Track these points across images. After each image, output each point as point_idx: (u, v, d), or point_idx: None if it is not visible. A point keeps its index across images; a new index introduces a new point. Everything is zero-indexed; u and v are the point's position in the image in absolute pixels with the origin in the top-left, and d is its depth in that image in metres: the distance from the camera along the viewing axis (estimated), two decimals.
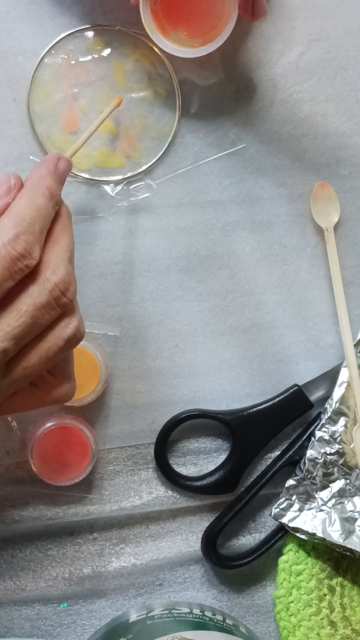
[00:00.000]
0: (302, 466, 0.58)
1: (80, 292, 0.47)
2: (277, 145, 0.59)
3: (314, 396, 0.59)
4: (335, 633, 0.58)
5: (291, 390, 0.59)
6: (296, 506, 0.58)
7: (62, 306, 0.44)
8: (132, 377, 0.59)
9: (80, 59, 0.57)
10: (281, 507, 0.58)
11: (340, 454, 0.58)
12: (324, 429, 0.58)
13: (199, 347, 0.60)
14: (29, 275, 0.43)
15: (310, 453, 0.58)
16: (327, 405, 0.58)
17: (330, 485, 0.58)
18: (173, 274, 0.59)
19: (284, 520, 0.58)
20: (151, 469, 0.60)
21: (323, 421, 0.58)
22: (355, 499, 0.58)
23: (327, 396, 0.59)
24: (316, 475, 0.58)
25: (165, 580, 0.60)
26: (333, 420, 0.58)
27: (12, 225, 0.42)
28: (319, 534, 0.57)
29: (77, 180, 0.57)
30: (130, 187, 0.58)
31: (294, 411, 0.59)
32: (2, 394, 0.44)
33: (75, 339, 0.45)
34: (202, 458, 0.60)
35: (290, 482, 0.58)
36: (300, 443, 0.59)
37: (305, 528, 0.57)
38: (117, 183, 0.58)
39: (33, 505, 0.59)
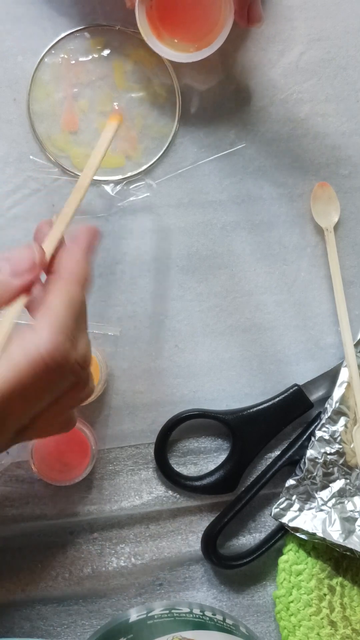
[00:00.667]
0: (302, 466, 0.58)
1: None
2: (277, 145, 0.59)
3: (314, 396, 0.59)
4: (335, 633, 0.58)
5: (291, 390, 0.59)
6: (296, 506, 0.58)
7: (78, 378, 0.42)
8: (132, 377, 0.59)
9: (80, 59, 0.57)
10: (281, 507, 0.58)
11: (340, 453, 0.58)
12: (324, 429, 0.58)
13: (199, 347, 0.60)
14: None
15: (310, 453, 0.58)
16: (327, 405, 0.58)
17: (330, 485, 0.58)
18: (173, 274, 0.59)
19: (284, 520, 0.58)
20: (151, 469, 0.60)
21: (323, 421, 0.58)
22: (355, 498, 0.58)
23: (327, 396, 0.59)
24: (316, 475, 0.58)
25: (165, 580, 0.60)
26: (333, 420, 0.58)
27: (50, 331, 0.40)
28: (319, 534, 0.57)
29: (77, 180, 0.57)
30: (130, 187, 0.58)
31: (294, 411, 0.59)
32: (6, 446, 0.43)
33: (86, 399, 0.45)
34: (202, 458, 0.60)
35: (290, 482, 0.58)
36: (300, 443, 0.59)
37: (305, 528, 0.57)
38: (117, 183, 0.58)
39: (33, 505, 0.59)
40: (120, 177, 0.58)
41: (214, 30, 0.53)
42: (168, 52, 0.53)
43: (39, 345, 0.39)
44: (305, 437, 0.59)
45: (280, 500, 0.58)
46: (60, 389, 0.42)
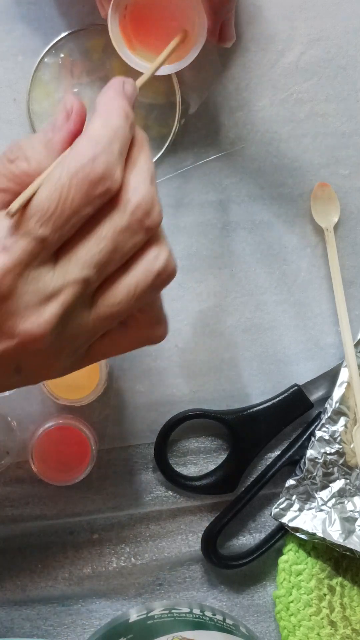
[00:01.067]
0: (302, 466, 0.58)
1: None
2: (277, 145, 0.59)
3: (314, 396, 0.59)
4: (335, 633, 0.58)
5: (291, 390, 0.59)
6: (296, 506, 0.58)
7: (146, 230, 0.40)
8: (132, 377, 0.59)
9: (80, 59, 0.57)
10: (281, 507, 0.58)
11: (340, 453, 0.58)
12: (324, 429, 0.58)
13: (199, 347, 0.60)
14: (111, 203, 0.39)
15: (310, 453, 0.58)
16: (327, 405, 0.58)
17: (330, 485, 0.58)
18: None
19: (284, 520, 0.58)
20: (151, 469, 0.60)
21: (323, 421, 0.58)
22: (355, 498, 0.58)
23: (327, 396, 0.59)
24: (316, 475, 0.58)
25: (165, 580, 0.60)
26: (333, 420, 0.58)
27: (89, 146, 0.38)
28: (319, 534, 0.57)
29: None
30: None
31: (294, 411, 0.59)
32: (90, 333, 0.40)
33: (165, 273, 0.41)
34: (202, 458, 0.60)
35: (290, 482, 0.58)
36: (300, 443, 0.59)
37: (305, 528, 0.57)
38: None
39: (33, 505, 0.59)
40: None
41: (187, 44, 0.52)
42: (139, 63, 0.52)
43: (80, 159, 0.38)
44: (305, 437, 0.59)
45: (280, 500, 0.58)
46: (117, 226, 0.39)
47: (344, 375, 0.58)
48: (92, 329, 0.40)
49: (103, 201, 0.38)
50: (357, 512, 0.57)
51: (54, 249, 0.38)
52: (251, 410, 0.59)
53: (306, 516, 0.58)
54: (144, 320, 0.42)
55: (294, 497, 0.58)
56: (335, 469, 0.58)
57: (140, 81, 0.47)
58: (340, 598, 0.58)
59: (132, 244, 0.39)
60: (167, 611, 0.55)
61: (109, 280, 0.40)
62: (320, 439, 0.58)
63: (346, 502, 0.58)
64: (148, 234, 0.40)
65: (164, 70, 0.52)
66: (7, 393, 0.57)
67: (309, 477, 0.58)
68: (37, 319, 0.38)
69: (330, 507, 0.58)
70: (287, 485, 0.58)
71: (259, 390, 0.60)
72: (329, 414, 0.58)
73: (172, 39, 0.51)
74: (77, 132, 0.41)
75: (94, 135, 0.39)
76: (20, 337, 0.38)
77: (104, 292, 0.40)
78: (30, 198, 0.38)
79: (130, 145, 0.41)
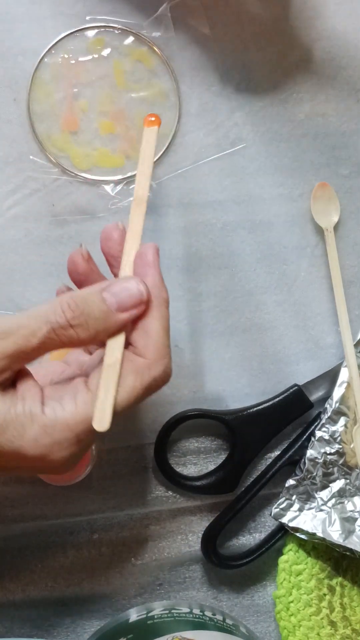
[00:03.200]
0: (302, 466, 0.58)
1: None
2: (277, 145, 0.59)
3: (314, 396, 0.59)
4: (335, 633, 0.58)
5: (291, 390, 0.59)
6: (296, 506, 0.58)
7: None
8: None
9: (80, 59, 0.57)
10: (281, 507, 0.58)
11: (340, 454, 0.58)
12: (324, 429, 0.58)
13: (199, 347, 0.60)
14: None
15: (310, 453, 0.58)
16: (327, 405, 0.58)
17: (330, 485, 0.58)
18: (173, 274, 0.59)
19: (284, 520, 0.58)
20: (151, 469, 0.60)
21: (323, 421, 0.58)
22: (355, 499, 0.58)
23: (327, 396, 0.59)
24: (316, 475, 0.58)
25: (165, 580, 0.60)
26: (333, 420, 0.58)
27: (159, 356, 0.43)
28: (319, 534, 0.57)
29: (77, 180, 0.57)
30: (130, 187, 0.58)
31: (294, 411, 0.59)
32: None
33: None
34: (202, 458, 0.60)
35: (290, 482, 0.58)
36: (300, 443, 0.59)
37: (305, 528, 0.57)
38: (117, 183, 0.58)
39: (33, 505, 0.59)
40: (120, 177, 0.58)
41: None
42: None
43: (153, 373, 0.43)
44: (305, 437, 0.59)
45: (280, 500, 0.58)
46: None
47: (344, 375, 0.58)
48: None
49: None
50: (357, 512, 0.57)
51: None
52: (251, 410, 0.59)
53: (306, 516, 0.58)
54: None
55: (294, 497, 0.58)
56: (335, 469, 0.58)
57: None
58: (340, 598, 0.59)
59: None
60: (167, 611, 0.55)
61: None
62: (320, 439, 0.58)
63: (346, 502, 0.58)
64: None
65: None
66: None
67: (309, 477, 0.58)
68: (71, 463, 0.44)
69: (330, 507, 0.58)
70: (287, 485, 0.58)
71: (259, 390, 0.60)
72: (329, 414, 0.58)
73: None
74: (139, 318, 0.44)
75: (161, 342, 0.44)
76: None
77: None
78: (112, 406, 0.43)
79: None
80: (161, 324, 0.44)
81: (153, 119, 0.49)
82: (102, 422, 0.42)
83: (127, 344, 0.44)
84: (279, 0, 0.58)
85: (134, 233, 0.46)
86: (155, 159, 0.58)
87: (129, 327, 0.44)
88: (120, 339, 0.44)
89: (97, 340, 0.43)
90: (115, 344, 0.43)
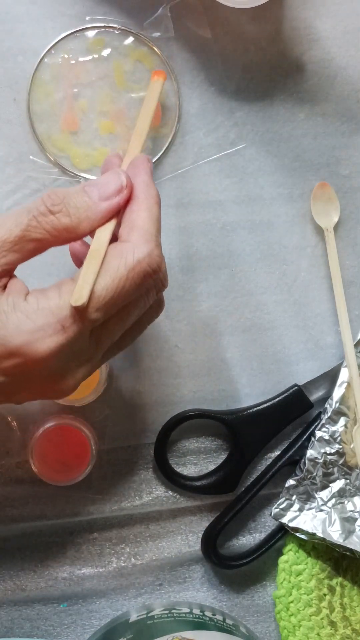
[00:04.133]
0: (302, 466, 0.58)
1: None
2: (277, 145, 0.59)
3: (314, 396, 0.59)
4: (335, 633, 0.58)
5: (291, 390, 0.59)
6: (296, 506, 0.58)
7: (161, 292, 0.46)
8: (132, 377, 0.59)
9: (80, 59, 0.57)
10: (281, 507, 0.58)
11: (340, 454, 0.58)
12: (324, 429, 0.58)
13: (199, 347, 0.60)
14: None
15: (310, 453, 0.58)
16: (327, 405, 0.58)
17: (330, 485, 0.58)
18: (173, 274, 0.59)
19: (284, 520, 0.58)
20: (151, 469, 0.60)
21: (323, 421, 0.58)
22: (355, 499, 0.58)
23: (327, 396, 0.59)
24: (316, 475, 0.58)
25: (165, 580, 0.60)
26: (333, 420, 0.58)
27: (144, 241, 0.43)
28: (319, 534, 0.57)
29: (77, 180, 0.57)
30: None
31: (294, 411, 0.59)
32: (95, 367, 0.45)
33: (157, 317, 0.48)
34: (202, 458, 0.60)
35: (290, 482, 0.58)
36: (300, 443, 0.59)
37: (305, 528, 0.57)
38: None
39: (33, 505, 0.59)
40: None
41: None
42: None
43: (138, 255, 0.43)
44: (305, 437, 0.59)
45: (280, 500, 0.58)
46: (149, 301, 0.45)
47: (344, 375, 0.58)
48: (97, 365, 0.46)
49: (150, 290, 0.44)
50: (357, 512, 0.57)
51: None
52: (251, 410, 0.59)
53: (306, 516, 0.58)
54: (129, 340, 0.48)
55: (294, 497, 0.58)
56: (335, 469, 0.58)
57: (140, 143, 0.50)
58: (340, 598, 0.59)
59: (147, 310, 0.46)
60: (167, 611, 0.55)
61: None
62: (320, 439, 0.58)
63: (346, 502, 0.58)
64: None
65: (239, 3, 0.52)
66: None
67: (309, 477, 0.58)
68: (71, 381, 0.44)
69: (330, 507, 0.58)
70: (287, 485, 0.58)
71: (259, 390, 0.60)
72: (329, 414, 0.58)
73: None
74: (123, 208, 0.45)
75: (146, 228, 0.44)
76: (57, 395, 0.45)
77: (117, 341, 0.46)
78: (91, 287, 0.42)
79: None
80: (148, 216, 0.45)
81: (162, 73, 0.53)
82: (79, 298, 0.41)
83: (116, 238, 0.45)
84: (279, 0, 0.58)
85: (134, 145, 0.50)
86: (155, 159, 0.58)
87: (118, 219, 0.45)
88: (108, 227, 0.44)
89: (83, 232, 0.44)
90: (103, 232, 0.44)
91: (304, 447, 0.58)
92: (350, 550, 0.57)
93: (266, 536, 0.60)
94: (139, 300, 0.45)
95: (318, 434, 0.58)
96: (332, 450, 0.58)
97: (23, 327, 0.42)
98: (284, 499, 0.58)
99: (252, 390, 0.60)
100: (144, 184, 0.46)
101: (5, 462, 0.58)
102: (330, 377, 0.59)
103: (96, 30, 0.57)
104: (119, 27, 0.57)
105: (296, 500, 0.58)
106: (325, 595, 0.58)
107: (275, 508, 0.58)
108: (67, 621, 0.59)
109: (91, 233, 0.45)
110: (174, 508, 0.60)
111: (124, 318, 0.44)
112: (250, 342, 0.60)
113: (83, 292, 0.41)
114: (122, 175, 0.45)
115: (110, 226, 0.45)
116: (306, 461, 0.58)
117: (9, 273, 0.44)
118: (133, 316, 0.45)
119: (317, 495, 0.58)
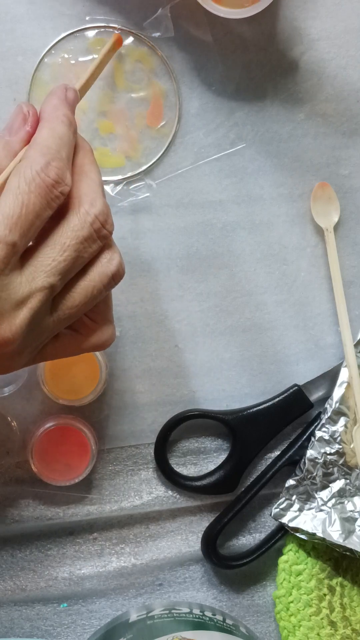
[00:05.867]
0: (302, 466, 0.58)
1: None
2: (277, 145, 0.59)
3: (314, 396, 0.59)
4: (335, 633, 0.58)
5: (291, 390, 0.59)
6: (296, 506, 0.58)
7: (102, 238, 0.44)
8: (132, 377, 0.59)
9: (80, 59, 0.57)
10: (281, 507, 0.58)
11: (340, 454, 0.58)
12: (324, 429, 0.58)
13: (199, 347, 0.60)
14: (65, 207, 0.43)
15: (310, 453, 0.58)
16: (327, 405, 0.58)
17: (330, 485, 0.58)
18: (173, 274, 0.59)
19: (284, 520, 0.58)
20: (151, 469, 0.60)
21: (323, 421, 0.58)
22: (355, 499, 0.58)
23: (327, 396, 0.59)
24: (316, 475, 0.58)
25: (165, 580, 0.60)
26: (333, 420, 0.58)
27: (40, 154, 0.42)
28: (319, 534, 0.57)
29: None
30: (130, 187, 0.58)
31: (294, 411, 0.59)
32: (50, 333, 0.44)
33: (118, 275, 0.45)
34: (202, 458, 0.60)
35: (290, 482, 0.58)
36: (300, 443, 0.59)
37: (305, 528, 0.57)
38: (117, 183, 0.58)
39: (33, 505, 0.59)
40: (120, 177, 0.58)
41: None
42: (222, 10, 0.53)
43: (35, 167, 0.42)
44: (305, 437, 0.59)
45: (280, 501, 0.58)
46: (82, 233, 0.43)
47: (344, 375, 0.58)
48: (52, 329, 0.44)
49: (59, 203, 0.42)
50: (357, 512, 0.57)
51: (20, 253, 0.41)
52: (251, 410, 0.59)
53: (306, 516, 0.58)
54: (92, 326, 0.46)
55: (294, 497, 0.58)
56: (335, 469, 0.58)
57: (79, 84, 0.50)
58: (340, 598, 0.59)
59: (91, 252, 0.44)
60: (167, 611, 0.55)
61: (68, 284, 0.44)
62: (320, 439, 0.58)
63: (346, 502, 0.58)
64: (104, 242, 0.44)
65: (249, 11, 0.53)
66: (6, 392, 0.57)
67: (309, 477, 0.58)
68: (9, 325, 0.41)
69: (330, 507, 0.58)
70: (287, 485, 0.58)
71: (259, 390, 0.60)
72: (329, 414, 0.58)
73: None
74: (33, 135, 0.45)
75: (44, 143, 0.43)
76: None
77: (63, 295, 0.44)
78: None
79: (78, 155, 0.45)
80: (49, 133, 0.44)
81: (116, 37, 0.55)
82: None
83: None
84: (279, 0, 0.58)
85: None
86: (155, 159, 0.58)
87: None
88: (18, 159, 0.44)
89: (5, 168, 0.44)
90: (13, 163, 0.44)
91: (304, 447, 0.58)
92: (350, 550, 0.57)
93: (266, 536, 0.60)
94: (65, 229, 0.43)
95: (318, 434, 0.58)
96: (332, 450, 0.58)
97: None
98: (284, 499, 0.58)
99: (252, 390, 0.60)
100: (51, 106, 0.45)
101: (5, 462, 0.58)
102: (330, 377, 0.59)
103: (96, 30, 0.57)
104: (119, 27, 0.57)
105: (296, 500, 0.58)
106: (325, 595, 0.58)
107: (275, 508, 0.58)
108: (67, 621, 0.60)
109: None
110: (174, 508, 0.60)
111: (56, 248, 0.42)
112: (250, 342, 0.60)
113: None
114: (24, 107, 0.46)
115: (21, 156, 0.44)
116: (306, 461, 0.58)
117: None
118: (67, 250, 0.42)
119: (317, 495, 0.58)
